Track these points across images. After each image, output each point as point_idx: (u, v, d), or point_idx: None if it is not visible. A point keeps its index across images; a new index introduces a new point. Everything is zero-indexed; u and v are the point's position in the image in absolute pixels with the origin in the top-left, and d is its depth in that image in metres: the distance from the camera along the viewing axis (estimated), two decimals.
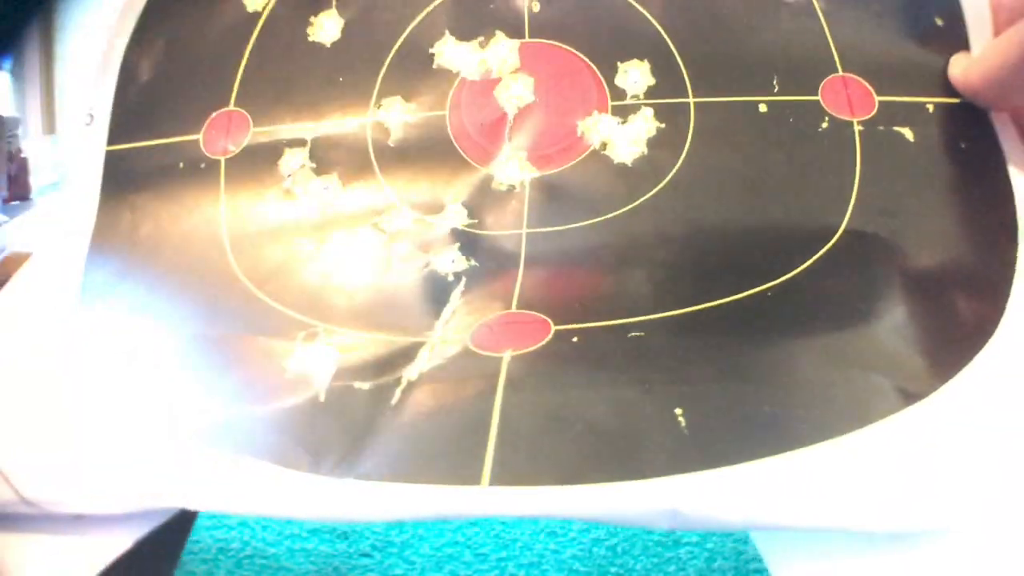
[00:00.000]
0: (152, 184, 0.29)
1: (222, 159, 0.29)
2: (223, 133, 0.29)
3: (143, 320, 0.27)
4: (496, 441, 0.21)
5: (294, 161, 0.29)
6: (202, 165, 0.29)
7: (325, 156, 0.29)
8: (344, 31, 0.30)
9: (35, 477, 0.22)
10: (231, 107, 0.30)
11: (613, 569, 0.54)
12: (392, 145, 0.28)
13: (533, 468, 0.20)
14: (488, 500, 0.20)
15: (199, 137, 0.30)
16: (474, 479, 0.20)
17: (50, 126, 0.62)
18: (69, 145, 0.33)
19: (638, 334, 0.23)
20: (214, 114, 0.30)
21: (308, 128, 0.29)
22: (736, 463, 0.20)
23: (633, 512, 0.19)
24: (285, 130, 0.30)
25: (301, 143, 0.29)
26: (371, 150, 0.28)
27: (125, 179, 0.29)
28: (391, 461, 0.21)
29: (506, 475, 0.20)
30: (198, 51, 0.31)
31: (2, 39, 0.18)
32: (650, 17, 0.29)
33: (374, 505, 0.20)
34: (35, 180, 0.58)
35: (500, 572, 0.53)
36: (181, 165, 0.29)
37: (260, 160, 0.29)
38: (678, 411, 0.21)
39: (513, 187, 0.27)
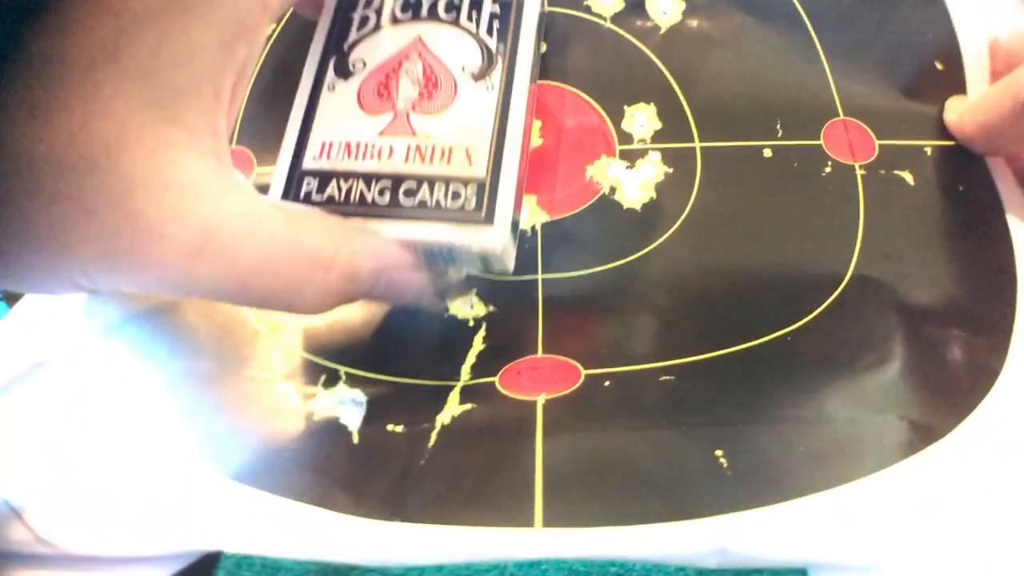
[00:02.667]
0: None
1: None
2: None
3: (155, 362, 0.27)
4: (543, 484, 0.21)
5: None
6: None
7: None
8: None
9: (51, 517, 0.23)
10: (234, 145, 0.30)
11: (613, 569, 0.55)
12: None
13: (583, 510, 0.21)
14: (542, 542, 0.20)
15: None
16: (527, 521, 0.21)
17: None
18: None
19: (668, 378, 0.24)
20: None
21: None
22: (779, 501, 0.21)
23: (683, 551, 0.21)
24: None
25: None
26: None
27: None
28: (437, 503, 0.21)
29: (558, 517, 0.21)
30: None
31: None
32: (656, 60, 0.29)
33: (428, 548, 0.21)
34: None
35: (500, 572, 0.53)
36: None
37: None
38: (718, 452, 0.22)
39: (525, 231, 0.27)
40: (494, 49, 0.26)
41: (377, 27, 0.26)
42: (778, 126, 0.28)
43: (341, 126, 0.25)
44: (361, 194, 0.24)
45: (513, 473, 0.22)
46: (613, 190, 0.28)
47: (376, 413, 0.24)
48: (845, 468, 0.22)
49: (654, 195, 0.27)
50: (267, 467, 0.23)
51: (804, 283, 0.26)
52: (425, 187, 0.24)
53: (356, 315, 0.27)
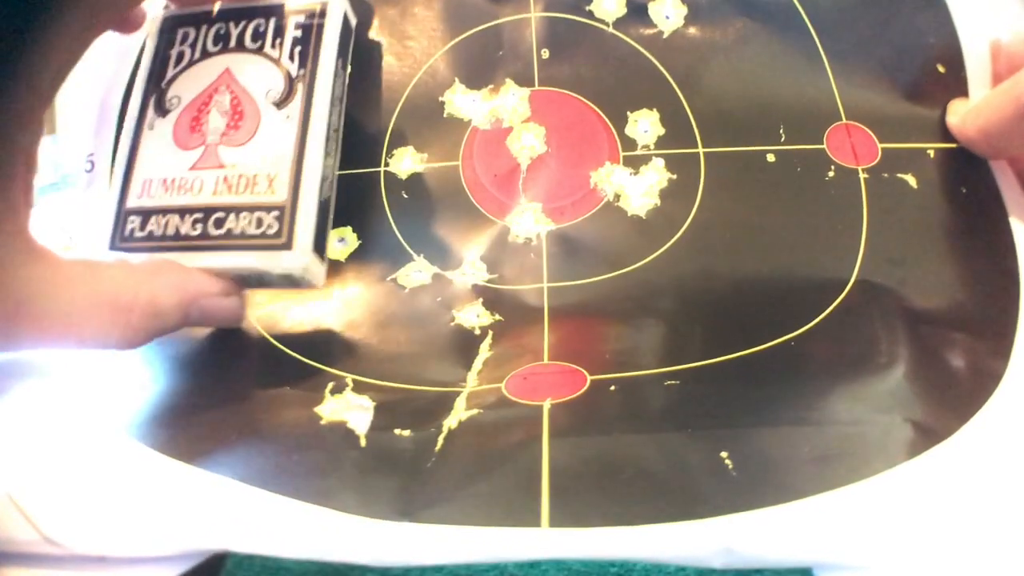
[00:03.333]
0: None
1: None
2: None
3: (160, 364, 0.27)
4: (550, 485, 0.21)
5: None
6: None
7: (338, 208, 0.29)
8: (352, 79, 0.30)
9: (57, 517, 0.23)
10: None
11: (613, 569, 0.55)
12: (406, 197, 0.29)
13: (589, 510, 0.21)
14: (549, 542, 0.21)
15: None
16: (534, 521, 0.21)
17: (50, 126, 0.60)
18: (73, 194, 0.32)
19: (673, 383, 0.24)
20: None
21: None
22: (784, 502, 0.21)
23: (689, 552, 0.21)
24: None
25: None
26: (385, 202, 0.29)
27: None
28: (446, 505, 0.21)
29: (564, 517, 0.21)
30: None
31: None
32: (659, 66, 0.29)
33: (437, 548, 0.21)
34: (35, 180, 0.57)
35: (500, 572, 0.54)
36: None
37: None
38: (723, 454, 0.22)
39: (530, 240, 0.27)
40: (295, 74, 0.27)
41: (191, 62, 0.28)
42: (781, 131, 0.28)
43: (159, 163, 0.27)
44: (176, 228, 0.26)
45: (520, 474, 0.22)
46: (617, 197, 0.28)
47: (383, 418, 0.24)
48: (849, 469, 0.22)
49: (658, 201, 0.28)
50: (275, 469, 0.23)
51: (808, 287, 0.26)
52: (232, 216, 0.25)
53: (363, 323, 0.27)
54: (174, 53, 0.28)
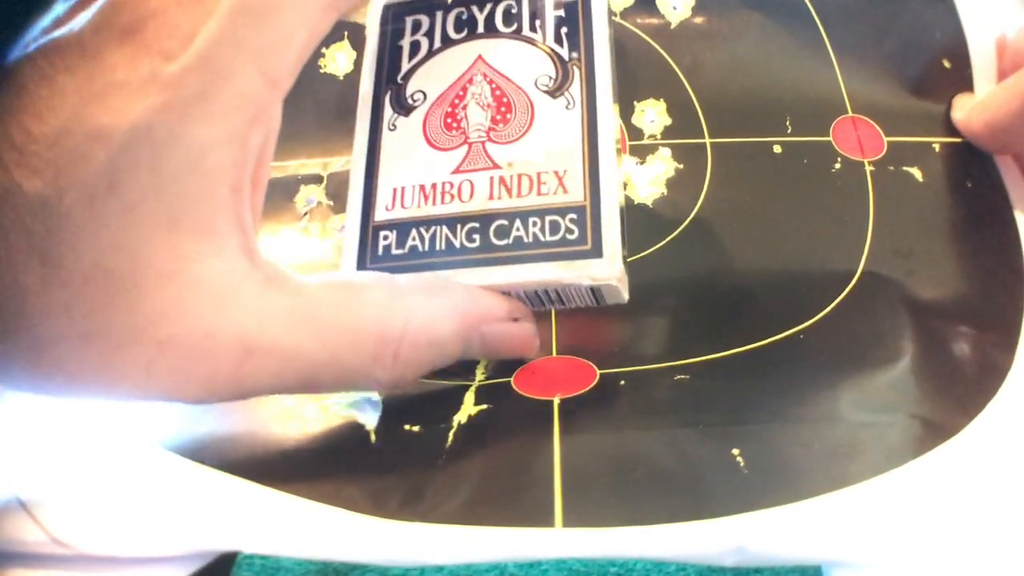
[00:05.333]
0: None
1: None
2: None
3: None
4: (562, 484, 0.21)
5: (310, 198, 0.29)
6: None
7: (342, 193, 0.28)
8: (356, 63, 0.30)
9: (66, 517, 0.22)
10: None
11: (613, 569, 0.55)
12: None
13: (602, 510, 0.21)
14: (563, 542, 0.20)
15: None
16: (548, 521, 0.21)
17: None
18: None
19: (683, 377, 0.24)
20: None
21: (323, 163, 0.29)
22: (796, 500, 0.21)
23: (702, 551, 0.21)
24: (299, 165, 0.29)
25: (317, 179, 0.29)
26: None
27: None
28: (456, 504, 0.21)
29: (577, 517, 0.21)
30: None
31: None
32: (666, 56, 0.29)
33: (448, 548, 0.21)
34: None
35: (500, 572, 0.53)
36: None
37: (275, 196, 0.29)
38: (735, 451, 0.22)
39: None
40: (567, 58, 0.23)
41: (431, 52, 0.24)
42: (787, 122, 0.28)
43: (411, 168, 0.23)
44: (447, 240, 0.22)
45: (532, 473, 0.22)
46: (624, 186, 0.28)
47: (392, 413, 0.24)
48: (859, 466, 0.22)
49: (665, 191, 0.27)
50: (284, 467, 0.23)
51: (815, 280, 0.26)
52: (518, 223, 0.22)
53: None
54: (406, 44, 0.24)
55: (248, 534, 0.22)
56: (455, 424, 0.23)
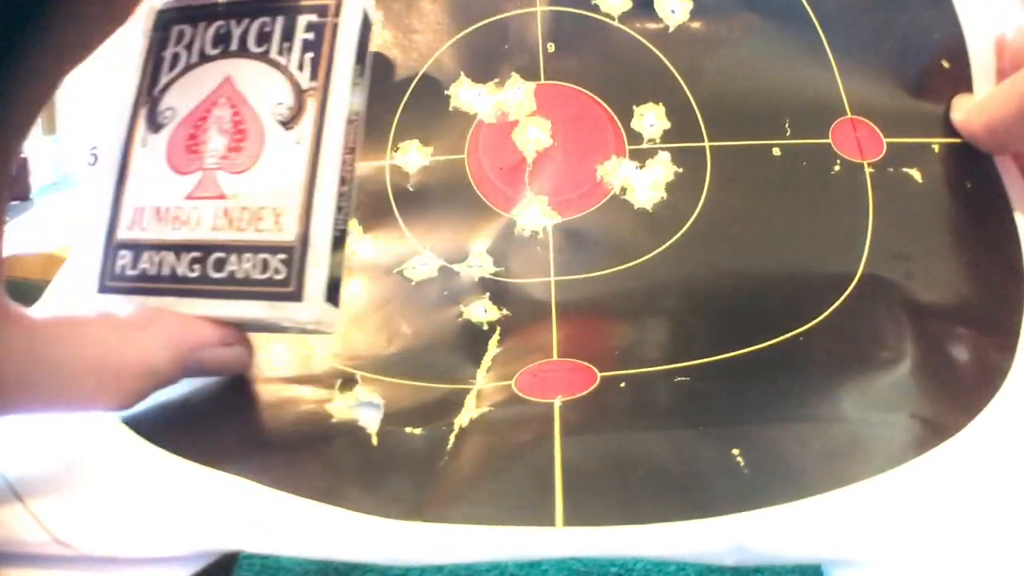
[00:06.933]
0: None
1: None
2: None
3: None
4: (563, 484, 0.21)
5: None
6: None
7: None
8: None
9: (67, 517, 0.22)
10: None
11: (613, 569, 0.55)
12: (412, 190, 0.29)
13: (603, 509, 0.21)
14: (564, 541, 0.21)
15: None
16: (549, 521, 0.21)
17: (50, 126, 0.60)
18: (77, 189, 0.32)
19: (683, 379, 0.24)
20: None
21: None
22: (796, 499, 0.21)
23: (702, 549, 0.21)
24: None
25: None
26: (391, 195, 0.29)
27: None
28: (460, 504, 0.21)
29: (578, 517, 0.21)
30: None
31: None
32: (664, 60, 0.29)
33: (451, 548, 0.21)
34: (35, 180, 0.57)
35: (500, 572, 0.54)
36: None
37: None
38: (735, 451, 0.22)
39: (536, 233, 0.27)
40: (305, 87, 0.22)
41: (188, 67, 0.23)
42: (786, 125, 0.28)
43: (152, 188, 0.23)
44: (172, 268, 0.22)
45: (533, 473, 0.22)
46: (624, 190, 0.28)
47: (393, 415, 0.24)
48: (859, 466, 0.22)
49: (664, 195, 0.28)
50: (286, 468, 0.23)
51: (815, 282, 0.26)
52: (234, 257, 0.22)
53: (369, 317, 0.27)
54: (168, 55, 0.24)
55: (251, 534, 0.22)
56: (456, 426, 0.23)
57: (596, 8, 0.30)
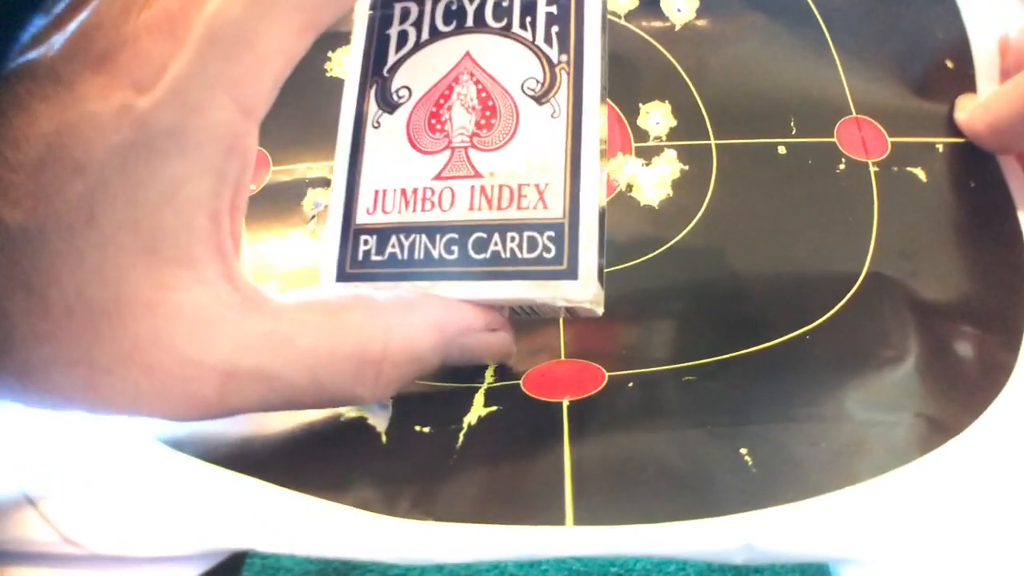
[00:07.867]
0: None
1: None
2: None
3: None
4: (572, 484, 0.21)
5: (318, 201, 0.29)
6: None
7: None
8: None
9: (76, 516, 0.22)
10: None
11: (613, 569, 0.55)
12: None
13: (612, 509, 0.21)
14: (574, 540, 0.21)
15: None
16: (559, 520, 0.21)
17: None
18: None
19: (691, 378, 0.24)
20: None
21: (329, 167, 0.29)
22: (804, 498, 0.21)
23: (711, 548, 0.21)
24: (306, 169, 0.29)
25: (324, 183, 0.29)
26: None
27: None
28: (467, 502, 0.21)
29: (589, 516, 0.21)
30: None
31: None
32: (670, 58, 0.29)
33: (462, 546, 0.21)
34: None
35: (500, 572, 0.53)
36: None
37: (282, 200, 0.29)
38: (743, 450, 0.22)
39: None
40: (555, 61, 0.22)
41: (419, 44, 0.23)
42: (792, 123, 0.28)
43: (393, 170, 0.22)
44: (426, 250, 0.21)
45: (543, 472, 0.22)
46: (630, 187, 0.28)
47: (402, 414, 0.24)
48: (865, 464, 0.22)
49: (671, 192, 0.28)
50: (296, 467, 0.23)
51: (820, 281, 0.26)
52: (496, 237, 0.21)
53: None
54: (393, 33, 0.23)
55: (260, 533, 0.22)
56: (465, 425, 0.23)
57: None
